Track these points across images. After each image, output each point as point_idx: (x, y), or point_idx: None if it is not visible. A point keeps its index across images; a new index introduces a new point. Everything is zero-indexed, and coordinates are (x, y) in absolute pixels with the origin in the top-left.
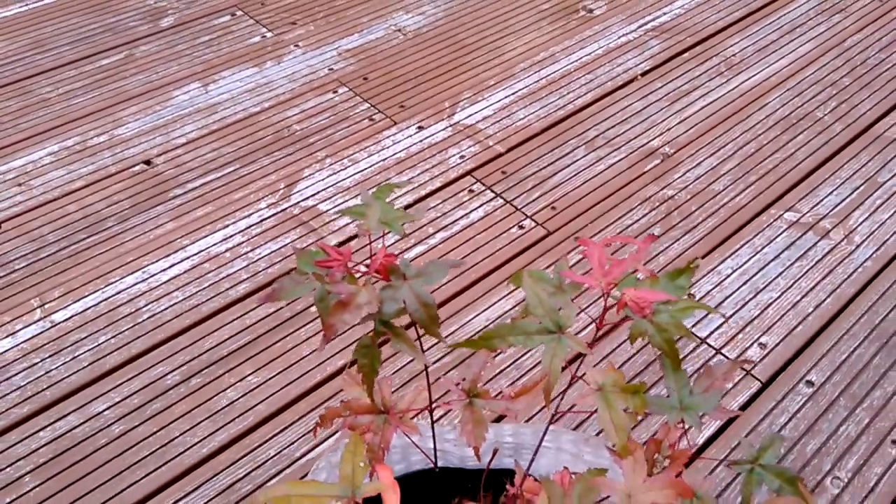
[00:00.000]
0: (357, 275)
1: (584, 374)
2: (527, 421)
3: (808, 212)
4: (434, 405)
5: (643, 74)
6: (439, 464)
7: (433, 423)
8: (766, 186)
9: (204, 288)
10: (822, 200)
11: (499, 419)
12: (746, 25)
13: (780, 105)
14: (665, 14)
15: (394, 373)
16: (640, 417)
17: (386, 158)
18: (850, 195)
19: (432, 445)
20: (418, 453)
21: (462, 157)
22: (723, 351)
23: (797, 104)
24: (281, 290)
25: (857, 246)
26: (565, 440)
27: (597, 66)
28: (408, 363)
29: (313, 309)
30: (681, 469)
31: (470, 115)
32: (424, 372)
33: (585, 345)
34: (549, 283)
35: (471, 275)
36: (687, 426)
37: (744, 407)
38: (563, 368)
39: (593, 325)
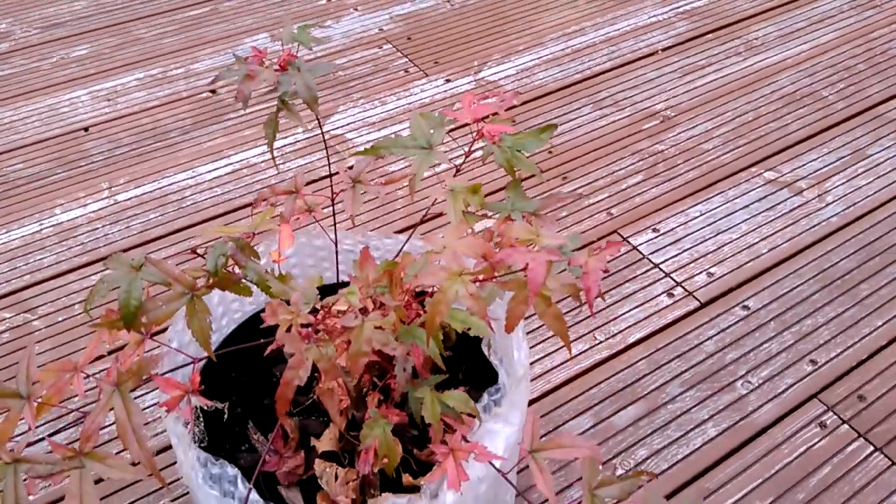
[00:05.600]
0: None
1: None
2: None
3: (788, 172)
4: (334, 197)
5: (664, 50)
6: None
7: (333, 202)
8: (753, 149)
9: (239, 187)
10: (804, 164)
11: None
12: (776, 14)
13: (789, 83)
14: (700, 0)
15: None
16: (483, 216)
17: (412, 103)
18: (833, 162)
19: (342, 241)
20: (344, 262)
21: None
22: (672, 275)
23: (805, 84)
24: (220, 76)
25: (828, 204)
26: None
27: (622, 40)
28: None
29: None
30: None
31: (494, 73)
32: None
33: (447, 158)
34: (433, 119)
35: None
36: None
37: (677, 321)
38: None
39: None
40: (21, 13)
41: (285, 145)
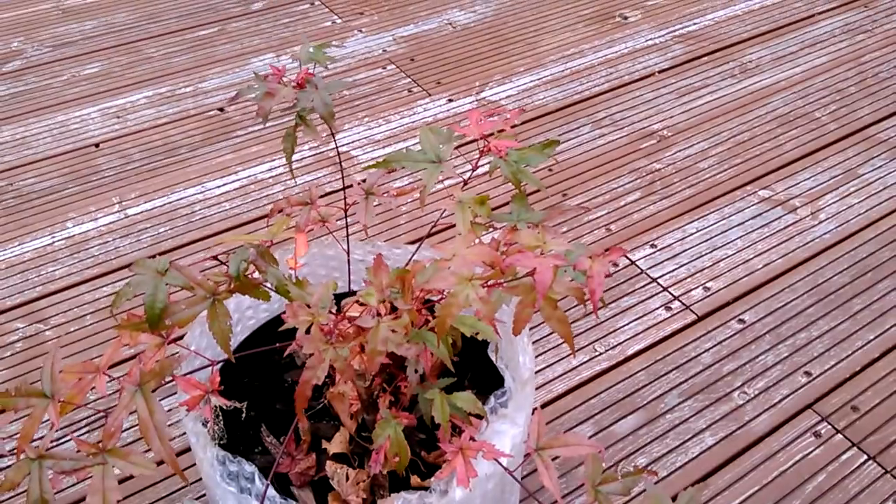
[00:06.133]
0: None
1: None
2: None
3: (781, 191)
4: (347, 208)
5: (661, 72)
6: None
7: (347, 215)
8: (748, 168)
9: (247, 202)
10: (798, 183)
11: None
12: (770, 38)
13: (783, 104)
14: (695, 24)
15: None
16: (489, 227)
17: (415, 121)
18: (826, 181)
19: (353, 251)
20: (355, 272)
21: None
22: (669, 289)
23: (799, 105)
24: (239, 94)
25: (821, 222)
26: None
27: (620, 62)
28: None
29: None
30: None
31: (496, 93)
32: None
33: (455, 172)
34: (441, 134)
35: None
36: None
37: (675, 333)
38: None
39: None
40: (33, 32)
41: (292, 161)
